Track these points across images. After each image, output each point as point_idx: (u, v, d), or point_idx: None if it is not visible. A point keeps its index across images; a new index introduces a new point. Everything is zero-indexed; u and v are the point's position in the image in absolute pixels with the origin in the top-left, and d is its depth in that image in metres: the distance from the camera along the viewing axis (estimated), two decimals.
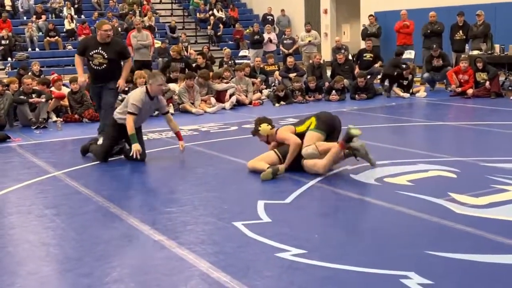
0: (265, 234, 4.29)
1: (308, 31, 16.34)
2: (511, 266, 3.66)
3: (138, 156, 6.65)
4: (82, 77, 8.11)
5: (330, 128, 6.16)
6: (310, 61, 14.53)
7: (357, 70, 13.98)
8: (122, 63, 8.00)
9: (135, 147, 6.63)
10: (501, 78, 12.75)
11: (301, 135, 6.15)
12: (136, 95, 6.80)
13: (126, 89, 10.66)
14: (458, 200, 4.98)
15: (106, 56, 7.69)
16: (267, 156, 6.24)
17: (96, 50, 7.67)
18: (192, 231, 4.52)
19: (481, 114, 10.29)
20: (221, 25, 22.42)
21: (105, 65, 7.71)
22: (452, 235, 4.24)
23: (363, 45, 15.80)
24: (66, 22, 20.62)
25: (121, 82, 7.92)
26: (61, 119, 10.20)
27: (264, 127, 6.32)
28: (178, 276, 3.68)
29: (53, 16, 21.59)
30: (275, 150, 6.25)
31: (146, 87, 6.87)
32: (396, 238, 4.24)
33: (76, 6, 21.86)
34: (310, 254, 3.89)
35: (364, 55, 14.63)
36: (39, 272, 3.80)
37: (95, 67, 7.71)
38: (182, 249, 4.07)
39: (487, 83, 11.84)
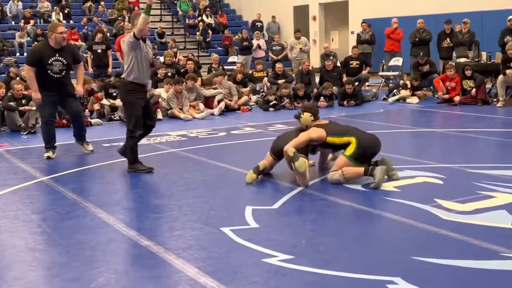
0: (252, 240, 4.30)
1: (297, 38, 16.39)
2: (497, 272, 3.69)
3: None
4: (39, 94, 7.36)
5: (368, 157, 5.93)
6: (300, 68, 14.58)
7: (345, 77, 14.02)
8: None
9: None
10: (488, 85, 12.86)
11: (329, 145, 6.03)
12: (127, 38, 6.68)
13: (114, 94, 10.71)
14: (445, 206, 5.01)
15: (65, 62, 7.43)
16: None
17: (54, 58, 7.33)
18: (179, 236, 4.52)
19: (467, 121, 10.37)
20: (210, 31, 22.45)
21: (64, 72, 7.46)
22: (439, 241, 4.27)
23: (350, 52, 15.89)
24: None
25: (80, 89, 7.79)
26: None
27: (306, 117, 6.14)
28: (165, 281, 3.68)
29: (42, 21, 21.51)
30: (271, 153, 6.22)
31: (133, 32, 6.59)
32: (382, 244, 4.26)
33: (66, 11, 21.78)
34: (297, 260, 3.91)
35: (351, 62, 14.69)
36: (25, 277, 3.78)
37: (54, 76, 7.37)
38: (170, 254, 4.07)
39: (473, 90, 11.94)
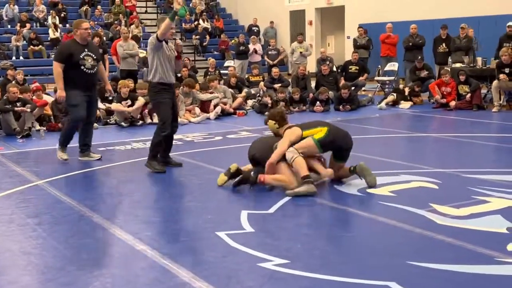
0: (248, 244, 4.30)
1: (300, 42, 16.40)
2: (492, 277, 3.70)
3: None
4: (64, 92, 7.26)
5: (334, 147, 5.94)
6: (296, 72, 14.60)
7: (342, 81, 14.04)
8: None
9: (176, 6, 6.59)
10: (483, 90, 12.90)
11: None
12: (152, 39, 6.78)
13: (110, 98, 10.72)
14: (440, 211, 5.02)
15: (94, 57, 7.38)
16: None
17: (85, 53, 7.26)
18: (175, 240, 4.52)
19: (463, 126, 10.39)
20: (207, 36, 22.45)
21: (96, 67, 7.41)
22: (434, 245, 4.28)
23: (347, 56, 15.91)
24: (50, 31, 20.55)
25: (110, 87, 7.90)
26: (44, 128, 10.14)
27: (270, 124, 6.19)
28: (160, 286, 3.67)
29: (38, 24, 21.50)
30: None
31: (157, 34, 6.73)
32: (378, 248, 4.26)
33: (62, 15, 21.77)
34: (292, 264, 3.91)
35: (350, 67, 14.71)
36: (20, 282, 3.77)
37: (88, 71, 7.28)
38: (165, 259, 4.07)
39: (468, 95, 11.98)
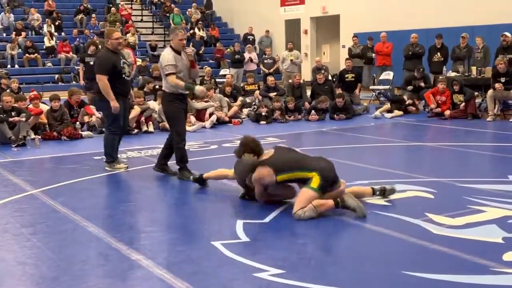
0: (243, 254, 4.29)
1: (290, 49, 16.42)
2: (487, 287, 3.70)
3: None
4: (117, 103, 7.15)
5: (331, 185, 5.39)
6: (290, 81, 14.64)
7: (339, 90, 14.05)
8: None
9: (199, 89, 6.86)
10: (478, 100, 12.94)
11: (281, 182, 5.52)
12: (165, 56, 6.74)
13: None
14: (435, 221, 5.02)
15: (128, 64, 7.50)
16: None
17: (122, 60, 7.31)
18: (170, 250, 4.51)
19: (458, 135, 10.42)
20: (202, 47, 22.47)
21: (130, 74, 7.54)
22: (429, 255, 4.27)
23: (342, 65, 15.96)
24: (45, 39, 20.55)
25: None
26: (39, 137, 10.12)
27: (247, 157, 5.75)
28: None
29: (33, 33, 21.51)
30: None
31: (170, 45, 6.84)
32: (373, 258, 4.26)
33: (57, 23, 21.79)
34: (288, 274, 3.90)
35: (346, 76, 14.75)
36: None
37: (127, 78, 7.39)
38: (160, 269, 4.05)
39: (463, 104, 12.02)
